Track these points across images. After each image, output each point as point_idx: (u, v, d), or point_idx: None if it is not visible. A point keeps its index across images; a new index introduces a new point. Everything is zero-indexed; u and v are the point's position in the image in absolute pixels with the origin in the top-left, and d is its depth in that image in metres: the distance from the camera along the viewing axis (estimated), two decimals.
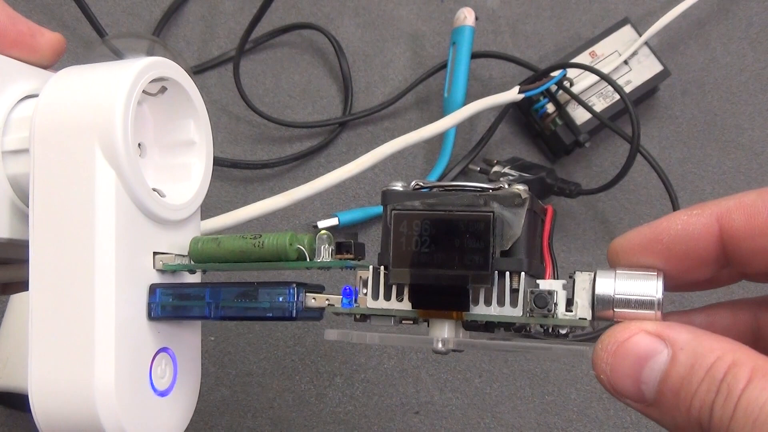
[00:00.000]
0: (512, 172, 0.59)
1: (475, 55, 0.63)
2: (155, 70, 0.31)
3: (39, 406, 0.30)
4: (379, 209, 0.62)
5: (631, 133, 0.57)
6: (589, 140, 0.61)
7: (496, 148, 0.64)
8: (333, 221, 0.60)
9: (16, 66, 0.33)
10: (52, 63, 0.35)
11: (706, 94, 0.65)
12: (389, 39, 0.67)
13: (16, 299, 0.57)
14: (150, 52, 0.61)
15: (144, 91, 0.31)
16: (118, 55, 0.60)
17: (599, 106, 0.61)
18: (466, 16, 0.62)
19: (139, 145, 0.33)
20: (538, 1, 0.67)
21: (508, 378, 0.59)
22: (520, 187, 0.29)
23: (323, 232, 0.31)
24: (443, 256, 0.28)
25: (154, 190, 0.32)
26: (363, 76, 0.66)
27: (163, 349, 0.32)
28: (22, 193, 0.33)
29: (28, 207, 0.32)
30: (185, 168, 0.35)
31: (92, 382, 0.29)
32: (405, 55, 0.66)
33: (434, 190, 0.30)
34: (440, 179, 0.62)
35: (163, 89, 0.33)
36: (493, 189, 0.29)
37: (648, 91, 0.62)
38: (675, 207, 0.59)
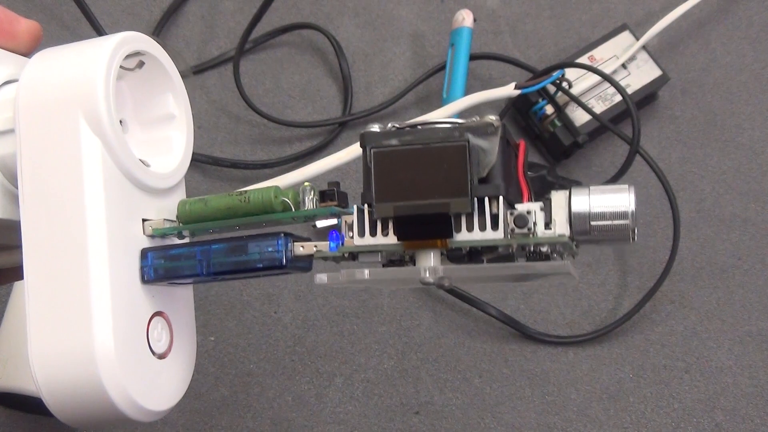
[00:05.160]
0: None
1: (473, 57, 0.63)
2: (132, 44, 0.32)
3: (41, 376, 0.30)
4: None
5: (630, 134, 0.57)
6: (588, 140, 0.61)
7: None
8: (333, 221, 0.60)
9: None
10: (31, 50, 0.35)
11: (706, 94, 0.65)
12: (389, 39, 0.67)
13: (15, 299, 0.57)
14: None
15: (122, 67, 0.32)
16: None
17: (598, 108, 0.61)
18: (465, 18, 0.62)
19: (121, 122, 0.34)
20: (537, 1, 0.67)
21: (508, 378, 0.59)
22: (491, 117, 0.30)
23: (306, 184, 0.32)
24: (424, 187, 0.29)
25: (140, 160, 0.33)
26: (363, 76, 0.66)
27: (159, 313, 0.33)
28: (9, 173, 0.33)
29: (15, 187, 0.32)
30: (167, 141, 0.35)
31: (92, 346, 0.30)
32: (405, 55, 0.66)
33: (410, 128, 0.31)
34: None
35: (141, 63, 0.34)
36: (465, 122, 0.30)
37: (647, 96, 0.62)
38: (673, 207, 0.59)
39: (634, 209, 0.29)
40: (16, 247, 0.32)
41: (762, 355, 0.59)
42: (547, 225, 0.30)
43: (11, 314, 0.57)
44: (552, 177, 0.60)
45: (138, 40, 0.33)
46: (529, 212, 0.29)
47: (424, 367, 0.60)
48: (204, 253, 0.32)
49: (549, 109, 0.61)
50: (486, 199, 0.29)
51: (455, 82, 0.62)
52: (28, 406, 0.55)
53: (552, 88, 0.60)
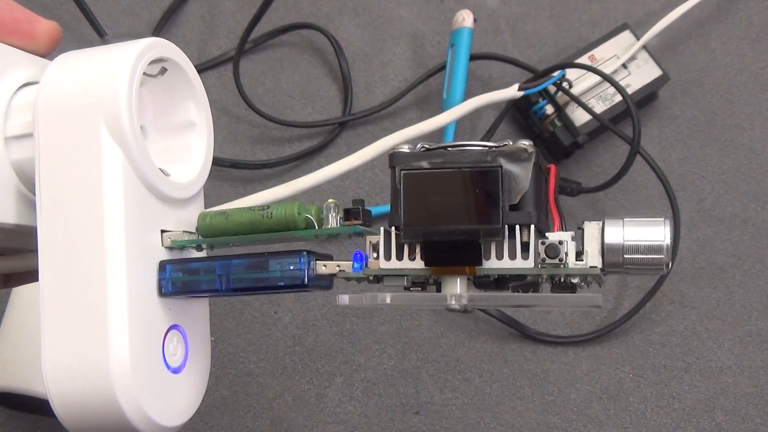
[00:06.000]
0: None
1: (473, 57, 0.63)
2: (156, 50, 0.32)
3: (54, 388, 0.30)
4: (380, 209, 0.62)
5: (630, 134, 0.57)
6: (588, 141, 0.61)
7: None
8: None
9: (15, 53, 0.33)
10: (50, 51, 0.35)
11: (706, 94, 0.65)
12: (389, 39, 0.67)
13: (15, 299, 0.57)
14: None
15: (144, 73, 0.31)
16: None
17: (598, 108, 0.61)
18: (465, 18, 0.62)
19: (141, 128, 0.34)
20: (537, 1, 0.67)
21: (508, 378, 0.59)
22: (525, 142, 0.29)
23: (330, 201, 0.31)
24: (454, 212, 0.29)
25: (159, 169, 0.32)
26: (363, 76, 0.66)
27: (174, 326, 0.33)
28: (26, 178, 0.33)
29: (32, 193, 0.32)
30: (187, 149, 0.35)
31: (108, 360, 0.29)
32: (405, 55, 0.66)
33: (440, 150, 0.30)
34: None
35: (163, 70, 0.33)
36: (498, 146, 0.29)
37: (647, 95, 0.62)
38: (674, 207, 0.59)
39: (669, 243, 0.28)
40: (30, 251, 0.31)
41: (762, 355, 0.59)
42: (579, 255, 0.29)
43: (11, 314, 0.57)
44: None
45: (161, 47, 0.32)
46: (561, 242, 0.29)
47: (424, 367, 0.59)
48: (224, 268, 0.31)
49: (549, 109, 0.61)
50: (517, 227, 0.29)
51: (455, 83, 0.62)
52: (28, 406, 0.55)
53: (552, 88, 0.60)
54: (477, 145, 0.30)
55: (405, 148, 0.30)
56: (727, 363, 0.59)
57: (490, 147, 0.29)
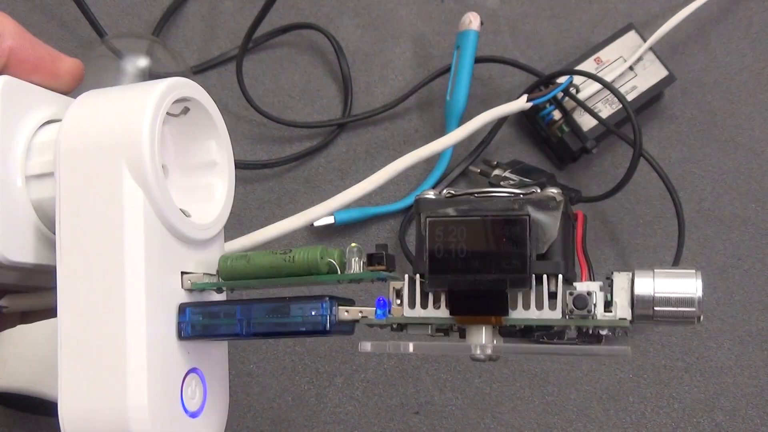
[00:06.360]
0: (513, 176, 0.59)
1: (478, 60, 0.63)
2: (179, 90, 0.31)
3: (70, 429, 0.30)
4: (377, 209, 0.62)
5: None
6: (597, 146, 0.61)
7: (497, 150, 0.64)
8: (329, 220, 0.60)
9: (37, 91, 0.33)
10: (72, 89, 0.35)
11: (706, 94, 0.65)
12: (389, 39, 0.67)
13: None
14: (149, 52, 0.61)
15: (167, 113, 0.31)
16: (117, 55, 0.60)
17: (605, 112, 0.61)
18: (471, 21, 0.62)
19: (162, 166, 0.33)
20: (538, 1, 0.67)
21: (508, 378, 0.59)
22: (554, 191, 0.29)
23: (353, 245, 0.31)
24: (480, 261, 0.28)
25: (180, 210, 0.32)
26: (363, 77, 0.66)
27: (193, 370, 0.32)
28: (46, 218, 0.33)
29: (52, 232, 0.31)
30: (208, 189, 0.34)
31: (125, 403, 0.29)
32: (405, 55, 0.66)
33: (466, 196, 0.30)
34: (440, 181, 0.62)
35: (186, 110, 0.33)
36: (525, 193, 0.29)
37: (653, 96, 0.62)
38: (677, 207, 0.59)
39: (701, 295, 0.28)
40: (48, 289, 0.31)
41: (762, 355, 0.59)
42: (607, 306, 0.29)
43: None
44: (551, 186, 0.60)
45: (185, 86, 0.32)
46: (589, 293, 0.28)
47: (424, 367, 0.60)
48: (244, 312, 0.31)
49: (556, 115, 0.61)
50: (544, 277, 0.28)
51: (459, 86, 0.62)
52: (28, 406, 0.55)
53: (559, 94, 0.60)
54: (504, 192, 0.29)
55: (430, 195, 0.30)
56: (727, 363, 0.59)
57: (517, 194, 0.29)
